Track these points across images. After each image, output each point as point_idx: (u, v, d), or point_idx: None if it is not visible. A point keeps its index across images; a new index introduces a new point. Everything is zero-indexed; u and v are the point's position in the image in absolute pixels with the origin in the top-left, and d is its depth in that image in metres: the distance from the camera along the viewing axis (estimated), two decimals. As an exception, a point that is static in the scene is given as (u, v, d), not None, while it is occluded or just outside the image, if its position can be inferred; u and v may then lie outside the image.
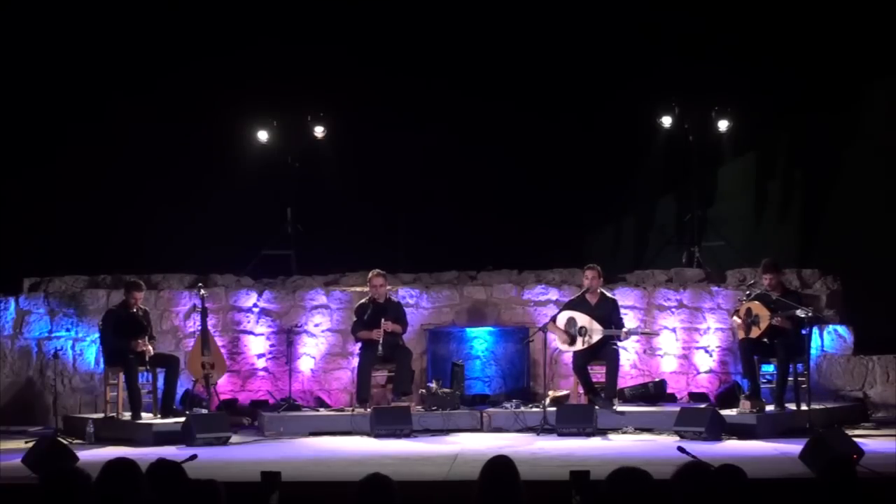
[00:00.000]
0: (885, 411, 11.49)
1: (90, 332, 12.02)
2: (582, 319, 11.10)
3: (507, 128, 13.79)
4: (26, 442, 9.62)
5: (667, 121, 13.67)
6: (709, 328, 12.23)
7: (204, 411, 10.90)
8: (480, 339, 12.24)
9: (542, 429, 10.55)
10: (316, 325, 12.35)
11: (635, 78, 13.46)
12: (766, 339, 10.75)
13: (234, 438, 10.40)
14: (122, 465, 5.12)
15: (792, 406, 10.67)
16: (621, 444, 10.07)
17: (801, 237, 13.92)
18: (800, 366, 10.76)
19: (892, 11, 12.82)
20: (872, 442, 9.37)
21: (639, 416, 10.83)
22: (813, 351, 11.30)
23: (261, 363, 12.32)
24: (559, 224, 13.83)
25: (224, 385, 11.83)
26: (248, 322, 12.37)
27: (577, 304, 11.29)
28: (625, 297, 12.13)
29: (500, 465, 5.09)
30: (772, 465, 8.47)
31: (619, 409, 10.96)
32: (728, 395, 11.21)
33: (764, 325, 10.67)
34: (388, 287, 11.76)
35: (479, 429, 10.95)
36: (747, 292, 11.07)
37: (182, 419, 10.40)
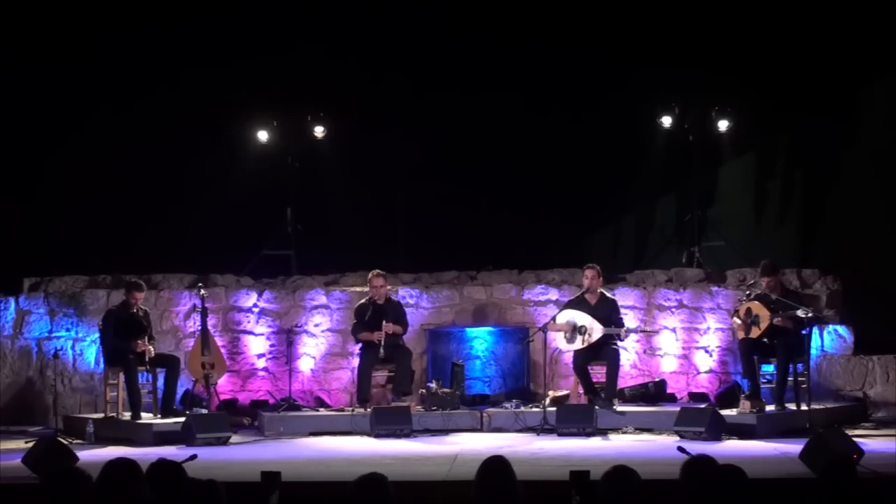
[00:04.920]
0: (885, 411, 11.50)
1: (90, 332, 12.02)
2: (582, 319, 11.10)
3: (507, 127, 13.79)
4: (26, 442, 9.62)
5: (667, 121, 13.67)
6: (709, 328, 12.24)
7: (204, 411, 10.90)
8: (480, 339, 12.24)
9: (542, 429, 10.56)
10: (316, 325, 12.35)
11: (635, 78, 13.46)
12: (766, 339, 10.75)
13: (234, 438, 10.41)
14: (122, 465, 5.12)
15: (792, 406, 10.67)
16: (621, 444, 10.07)
17: (801, 237, 13.91)
18: (800, 366, 10.76)
19: (890, 12, 12.82)
20: (872, 442, 9.37)
21: (639, 416, 10.84)
22: (813, 351, 11.29)
23: (261, 363, 12.33)
24: (559, 224, 13.82)
25: (224, 385, 11.84)
26: (248, 322, 12.38)
27: (576, 304, 11.29)
28: (625, 297, 12.13)
29: (495, 466, 5.10)
30: (772, 465, 8.47)
31: (619, 409, 10.96)
32: (728, 395, 11.21)
33: (764, 325, 10.67)
34: (388, 287, 11.76)
35: (479, 429, 10.95)
36: (747, 292, 11.08)
37: (182, 419, 10.41)
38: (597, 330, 11.01)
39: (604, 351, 11.09)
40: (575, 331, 11.09)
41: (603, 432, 10.47)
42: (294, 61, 13.55)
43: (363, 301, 11.59)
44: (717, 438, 9.85)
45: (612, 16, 13.78)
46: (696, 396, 11.90)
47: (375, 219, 13.90)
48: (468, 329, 12.26)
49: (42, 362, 12.11)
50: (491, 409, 11.25)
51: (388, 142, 13.70)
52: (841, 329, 12.03)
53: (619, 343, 11.22)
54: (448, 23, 13.85)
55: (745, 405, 10.41)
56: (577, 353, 11.14)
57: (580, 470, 6.19)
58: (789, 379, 10.70)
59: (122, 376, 10.84)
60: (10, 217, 13.34)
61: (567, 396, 11.33)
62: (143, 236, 13.37)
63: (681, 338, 12.26)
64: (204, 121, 13.26)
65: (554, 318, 11.22)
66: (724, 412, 10.33)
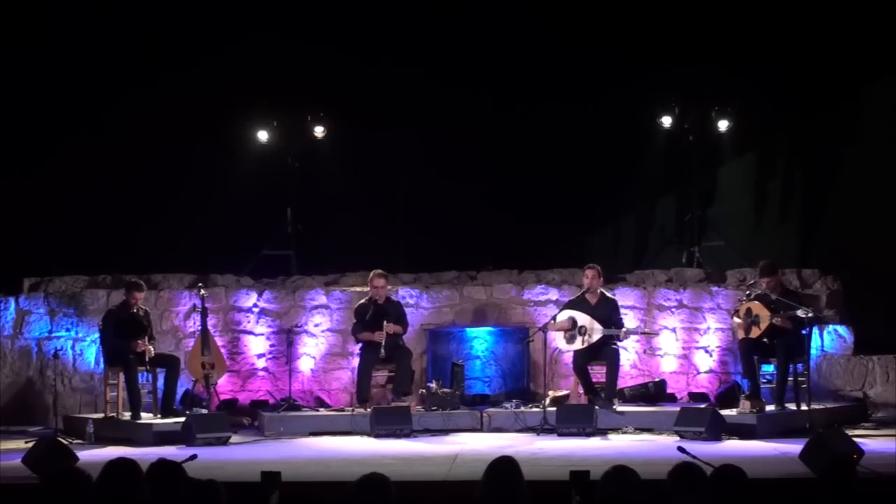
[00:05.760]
0: (885, 411, 11.49)
1: (90, 332, 12.02)
2: (582, 319, 11.11)
3: (508, 127, 13.79)
4: (26, 442, 9.62)
5: (667, 121, 13.67)
6: (709, 328, 12.23)
7: (204, 411, 10.90)
8: (480, 339, 12.24)
9: (542, 429, 10.56)
10: (316, 325, 12.35)
11: (635, 78, 13.46)
12: (766, 339, 10.75)
13: (234, 438, 10.40)
14: (122, 465, 5.12)
15: (792, 406, 10.67)
16: (621, 444, 10.07)
17: (801, 237, 13.91)
18: (800, 366, 10.76)
19: (891, 11, 12.82)
20: (872, 442, 9.37)
21: (639, 416, 10.84)
22: (813, 351, 11.29)
23: (261, 363, 12.33)
24: (559, 224, 13.81)
25: (224, 385, 11.83)
26: (248, 322, 12.37)
27: (577, 304, 11.29)
28: (625, 297, 12.13)
29: (504, 466, 5.11)
30: (772, 465, 8.48)
31: (619, 409, 10.96)
32: (728, 395, 11.21)
33: (764, 325, 10.67)
34: (389, 287, 11.76)
35: (479, 429, 10.95)
36: (747, 292, 11.08)
37: (182, 419, 10.40)
38: (597, 330, 11.01)
39: (604, 351, 11.09)
40: (575, 329, 11.10)
41: (603, 432, 10.47)
42: (294, 61, 13.55)
43: (363, 301, 11.59)
44: (717, 438, 9.85)
45: (611, 16, 13.78)
46: (696, 396, 11.90)
47: (375, 219, 13.89)
48: (468, 329, 12.25)
49: (42, 362, 12.10)
50: (491, 409, 11.25)
51: (388, 141, 13.70)
52: (841, 329, 12.03)
53: (618, 343, 11.22)
54: (448, 21, 13.84)
55: (745, 405, 10.41)
56: (577, 353, 11.14)
57: (580, 470, 6.18)
58: (789, 379, 10.70)
59: (122, 376, 10.84)
60: (10, 217, 13.33)
61: (567, 396, 11.33)
62: (143, 236, 13.36)
63: (681, 338, 12.25)
64: (204, 121, 13.26)
65: (554, 318, 11.22)
66: (724, 412, 10.32)
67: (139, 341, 10.85)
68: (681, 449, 6.71)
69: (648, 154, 14.03)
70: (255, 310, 12.40)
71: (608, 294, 11.47)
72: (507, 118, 13.78)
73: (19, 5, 13.59)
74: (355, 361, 11.69)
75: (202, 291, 11.61)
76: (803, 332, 10.64)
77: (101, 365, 11.65)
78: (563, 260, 12.86)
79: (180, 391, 11.48)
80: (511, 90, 13.96)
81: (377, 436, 10.46)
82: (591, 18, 13.84)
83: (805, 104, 13.63)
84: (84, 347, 12.13)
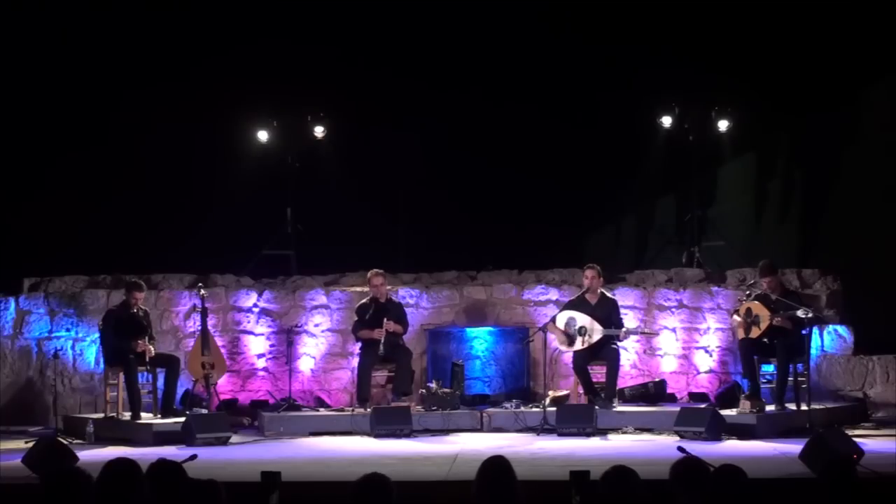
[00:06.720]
0: (885, 411, 11.49)
1: (90, 332, 12.02)
2: (582, 319, 11.11)
3: (508, 128, 13.79)
4: (26, 442, 9.61)
5: (667, 121, 13.68)
6: (709, 328, 12.24)
7: (204, 411, 10.90)
8: (480, 339, 12.24)
9: (542, 429, 10.56)
10: (316, 325, 12.35)
11: (635, 78, 13.46)
12: (766, 339, 10.76)
13: (234, 438, 10.40)
14: (122, 465, 5.12)
15: (792, 406, 10.67)
16: (621, 444, 10.07)
17: (801, 237, 13.92)
18: (800, 366, 10.77)
19: (891, 12, 12.82)
20: (872, 442, 9.37)
21: (639, 416, 10.84)
22: (813, 351, 11.30)
23: (261, 363, 12.33)
24: (559, 224, 13.82)
25: (224, 385, 11.83)
26: (248, 322, 12.38)
27: (577, 304, 11.29)
28: (625, 297, 12.13)
29: (496, 466, 5.11)
30: (772, 465, 8.48)
31: (619, 409, 10.96)
32: (728, 395, 11.21)
33: (764, 325, 10.67)
34: (388, 287, 11.77)
35: (479, 429, 10.95)
36: (747, 292, 11.08)
37: (182, 419, 10.40)
38: (597, 330, 11.01)
39: (604, 351, 11.09)
40: (574, 330, 11.09)
41: (603, 432, 10.47)
42: (294, 61, 13.55)
43: (364, 301, 11.60)
44: (717, 438, 9.85)
45: (610, 15, 13.78)
46: (696, 396, 11.90)
47: (375, 219, 13.89)
48: (468, 329, 12.26)
49: (42, 362, 12.11)
50: (491, 409, 11.25)
51: (389, 142, 13.70)
52: (841, 329, 12.04)
53: (618, 343, 11.22)
54: (448, 23, 13.84)
55: (745, 405, 10.41)
56: (577, 353, 11.14)
57: (580, 470, 6.18)
58: (789, 379, 10.70)
59: (122, 376, 10.84)
60: (10, 217, 13.33)
61: (567, 396, 11.33)
62: (144, 236, 13.36)
63: (681, 338, 12.26)
64: (204, 121, 13.26)
65: (554, 319, 11.22)
66: (724, 412, 10.32)
67: (139, 341, 10.85)
68: (681, 449, 6.69)
69: (648, 154, 14.03)
70: (255, 310, 12.40)
71: (608, 294, 11.47)
72: (507, 118, 13.77)
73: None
74: (355, 361, 11.69)
75: (202, 291, 11.61)
76: (803, 332, 10.64)
77: (101, 365, 11.66)
78: (563, 260, 12.86)
79: (180, 391, 11.48)
80: (511, 90, 13.96)
81: (377, 436, 10.46)
82: (590, 19, 13.83)
83: (805, 104, 13.63)
84: (84, 347, 12.13)
